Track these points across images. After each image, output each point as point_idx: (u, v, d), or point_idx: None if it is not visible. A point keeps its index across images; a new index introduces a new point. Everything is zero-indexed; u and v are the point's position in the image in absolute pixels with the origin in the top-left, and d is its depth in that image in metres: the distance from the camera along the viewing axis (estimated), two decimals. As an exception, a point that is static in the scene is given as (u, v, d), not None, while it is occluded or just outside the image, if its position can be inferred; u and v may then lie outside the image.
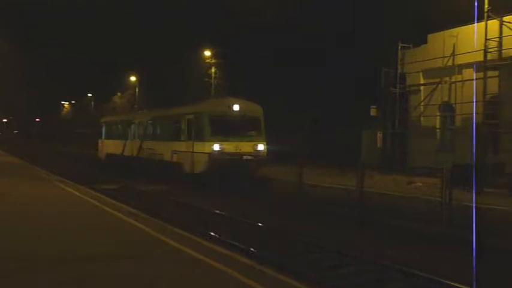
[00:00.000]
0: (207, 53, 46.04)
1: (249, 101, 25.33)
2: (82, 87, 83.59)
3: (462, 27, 25.33)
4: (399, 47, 29.67)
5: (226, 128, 23.48)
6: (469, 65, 24.25)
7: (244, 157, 22.81)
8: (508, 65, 22.94)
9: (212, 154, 22.22)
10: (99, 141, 40.39)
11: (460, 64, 25.44)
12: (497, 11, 23.32)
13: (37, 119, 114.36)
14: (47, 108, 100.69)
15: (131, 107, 62.13)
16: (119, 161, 33.14)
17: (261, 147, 23.74)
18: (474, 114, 22.86)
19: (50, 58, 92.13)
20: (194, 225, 12.84)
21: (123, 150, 32.71)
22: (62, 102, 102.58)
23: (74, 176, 24.99)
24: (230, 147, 22.80)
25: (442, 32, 26.88)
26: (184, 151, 24.25)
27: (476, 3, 23.15)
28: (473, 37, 23.54)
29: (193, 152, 23.35)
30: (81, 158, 44.73)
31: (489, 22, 23.21)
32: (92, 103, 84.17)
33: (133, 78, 63.91)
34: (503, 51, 23.35)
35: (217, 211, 16.07)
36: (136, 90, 63.68)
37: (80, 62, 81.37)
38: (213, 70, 45.35)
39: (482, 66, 23.34)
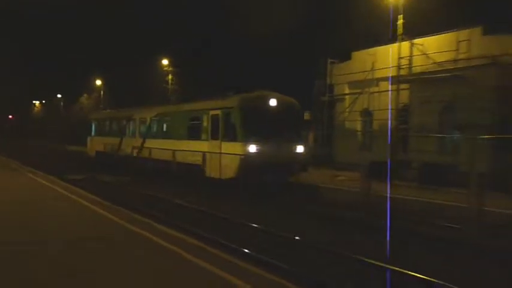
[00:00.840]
0: (165, 62, 45.09)
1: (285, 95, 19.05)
2: (52, 88, 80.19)
3: (380, 47, 25.76)
4: (328, 62, 30.00)
5: (263, 126, 17.23)
6: (385, 79, 24.57)
7: (283, 161, 16.72)
8: (416, 80, 23.54)
9: (247, 157, 16.30)
10: (88, 138, 33.64)
11: (378, 78, 25.88)
12: (409, 35, 23.97)
13: (10, 116, 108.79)
14: (19, 106, 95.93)
15: (97, 108, 60.08)
16: (111, 160, 27.33)
17: (300, 149, 17.81)
18: (389, 120, 23.36)
19: (23, 58, 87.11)
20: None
21: (118, 148, 27.07)
22: (34, 102, 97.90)
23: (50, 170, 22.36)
24: (267, 149, 16.66)
25: (363, 51, 27.24)
26: (206, 152, 18.48)
27: (391, 28, 24.11)
28: (388, 55, 24.18)
29: (220, 154, 17.48)
30: (56, 152, 42.26)
31: (402, 43, 23.85)
32: (61, 103, 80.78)
33: (98, 82, 61.85)
34: (413, 68, 23.94)
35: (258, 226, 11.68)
36: (101, 92, 61.60)
37: (50, 64, 77.69)
38: (170, 77, 44.44)
39: (395, 80, 23.93)
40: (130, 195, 17.01)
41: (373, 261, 8.45)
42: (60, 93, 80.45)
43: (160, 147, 22.44)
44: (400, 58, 23.71)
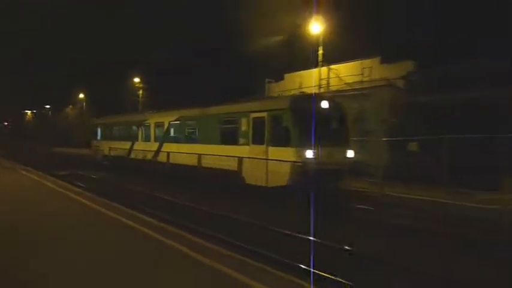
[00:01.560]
0: (136, 79, 46.26)
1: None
2: (42, 99, 79.45)
3: (305, 70, 28.04)
4: (266, 82, 31.81)
5: (315, 129, 13.53)
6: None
7: (336, 167, 13.55)
8: (333, 96, 25.73)
9: (304, 163, 13.01)
10: (93, 142, 30.27)
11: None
12: (327, 61, 26.28)
13: (5, 123, 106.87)
14: (12, 115, 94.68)
15: (81, 117, 60.33)
16: (122, 164, 24.11)
17: (350, 154, 14.54)
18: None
19: (15, 70, 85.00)
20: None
21: (129, 152, 24.33)
22: (25, 111, 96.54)
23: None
24: (322, 154, 13.51)
25: (293, 73, 29.41)
26: (245, 157, 15.15)
27: (314, 56, 26.31)
28: (312, 77, 26.36)
29: (266, 160, 14.12)
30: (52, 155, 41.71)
31: (321, 68, 26.12)
32: (50, 112, 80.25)
33: (81, 95, 62.21)
34: (330, 87, 26.22)
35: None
36: (84, 104, 61.96)
37: (41, 76, 76.64)
38: (140, 92, 45.40)
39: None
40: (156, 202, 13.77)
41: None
42: (48, 104, 79.99)
43: (181, 151, 18.79)
44: (320, 79, 26.01)
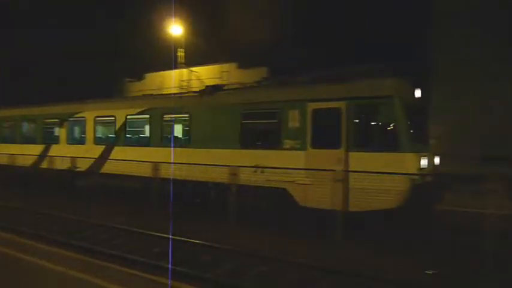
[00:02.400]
0: None
1: None
2: None
3: (166, 71, 28.38)
4: (126, 81, 31.22)
5: (411, 127, 9.88)
6: (171, 96, 26.88)
7: (432, 179, 9.99)
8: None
9: (421, 175, 9.26)
10: None
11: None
12: (188, 63, 27.13)
13: None
14: None
15: None
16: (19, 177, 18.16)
17: (437, 160, 11.00)
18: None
19: None
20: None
21: (38, 161, 18.19)
22: None
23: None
24: (429, 161, 10.15)
25: (154, 73, 29.36)
26: (298, 168, 10.62)
27: (174, 57, 26.87)
28: (172, 78, 26.97)
29: (347, 171, 9.76)
30: None
31: (182, 70, 26.91)
32: None
33: None
34: (191, 89, 27.05)
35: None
36: None
37: None
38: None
39: (178, 97, 26.67)
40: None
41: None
42: None
43: (147, 160, 13.48)
44: (181, 81, 26.73)
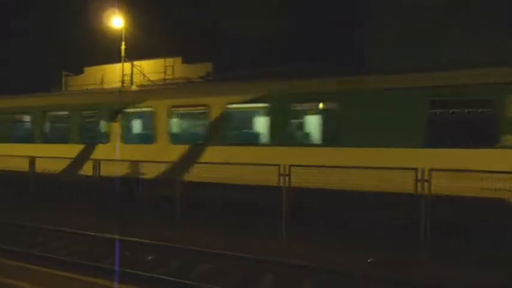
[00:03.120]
0: None
1: None
2: None
3: (108, 65, 27.65)
4: (63, 75, 29.63)
5: None
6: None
7: None
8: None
9: None
10: None
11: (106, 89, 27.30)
12: (130, 57, 26.56)
13: None
14: None
15: None
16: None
17: None
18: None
19: None
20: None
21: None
22: None
23: None
24: None
25: (94, 67, 28.45)
26: None
27: (116, 51, 26.26)
28: (115, 72, 26.33)
29: None
30: None
31: (125, 64, 26.29)
32: None
33: None
34: (134, 83, 26.69)
35: None
36: None
37: None
38: None
39: (120, 92, 26.14)
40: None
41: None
42: None
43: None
44: (123, 75, 26.14)
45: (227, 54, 29.04)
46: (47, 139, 15.61)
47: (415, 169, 8.33)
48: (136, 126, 14.30)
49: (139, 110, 13.52)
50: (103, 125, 14.58)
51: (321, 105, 10.90)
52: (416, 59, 21.12)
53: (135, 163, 12.43)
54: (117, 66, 26.15)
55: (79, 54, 29.00)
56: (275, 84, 11.28)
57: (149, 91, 13.69)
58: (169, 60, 26.13)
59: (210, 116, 12.05)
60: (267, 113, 11.26)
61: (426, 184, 8.23)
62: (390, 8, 23.79)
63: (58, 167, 13.98)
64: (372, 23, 24.63)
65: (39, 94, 16.91)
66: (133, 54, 26.27)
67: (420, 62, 14.50)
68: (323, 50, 27.36)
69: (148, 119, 13.32)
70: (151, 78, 25.75)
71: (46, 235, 10.29)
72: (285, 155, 10.59)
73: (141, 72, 26.44)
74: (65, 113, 15.17)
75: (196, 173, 11.12)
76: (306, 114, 11.34)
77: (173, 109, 12.78)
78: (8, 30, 31.63)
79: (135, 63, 26.67)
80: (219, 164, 10.51)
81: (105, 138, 14.20)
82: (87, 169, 13.19)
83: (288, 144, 10.77)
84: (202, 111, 12.20)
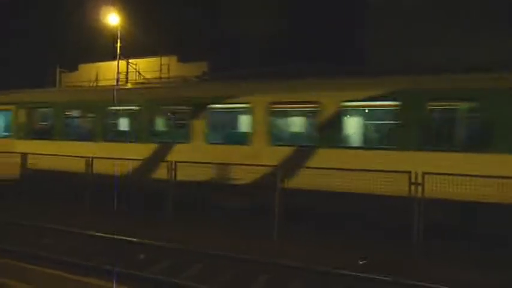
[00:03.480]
0: None
1: None
2: None
3: (103, 62, 27.36)
4: (58, 72, 29.37)
5: None
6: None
7: None
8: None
9: None
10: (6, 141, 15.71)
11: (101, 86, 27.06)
12: (126, 55, 26.28)
13: None
14: None
15: None
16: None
17: None
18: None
19: None
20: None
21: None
22: None
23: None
24: None
25: (89, 64, 28.29)
26: None
27: (112, 48, 25.94)
28: (110, 69, 26.00)
29: None
30: None
31: (120, 61, 25.96)
32: None
33: None
34: (129, 81, 26.26)
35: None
36: None
37: None
38: None
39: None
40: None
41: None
42: None
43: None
44: (118, 73, 25.78)
45: (227, 54, 28.61)
46: (108, 137, 13.95)
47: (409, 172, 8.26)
48: (224, 124, 12.58)
49: (230, 106, 11.96)
50: (181, 122, 12.87)
51: (470, 104, 9.31)
52: (416, 59, 20.84)
53: (223, 166, 10.94)
54: (112, 64, 25.82)
55: (75, 51, 28.69)
56: (408, 77, 9.89)
57: (247, 85, 11.92)
58: (164, 59, 25.80)
59: (321, 114, 10.69)
60: (400, 111, 9.83)
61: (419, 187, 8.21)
62: (390, 8, 23.33)
63: (123, 169, 11.99)
64: (372, 23, 24.15)
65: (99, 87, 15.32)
66: (129, 52, 26.01)
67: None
68: (323, 50, 26.92)
69: (242, 117, 12.01)
70: (147, 77, 25.42)
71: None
72: (420, 160, 9.16)
73: (136, 70, 26.08)
74: (135, 108, 13.48)
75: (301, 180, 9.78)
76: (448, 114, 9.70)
77: (274, 106, 11.25)
78: (8, 30, 31.37)
79: (131, 61, 26.37)
80: (333, 170, 8.90)
81: (184, 137, 12.54)
82: (160, 172, 11.48)
83: (425, 149, 9.33)
84: (312, 109, 10.87)
